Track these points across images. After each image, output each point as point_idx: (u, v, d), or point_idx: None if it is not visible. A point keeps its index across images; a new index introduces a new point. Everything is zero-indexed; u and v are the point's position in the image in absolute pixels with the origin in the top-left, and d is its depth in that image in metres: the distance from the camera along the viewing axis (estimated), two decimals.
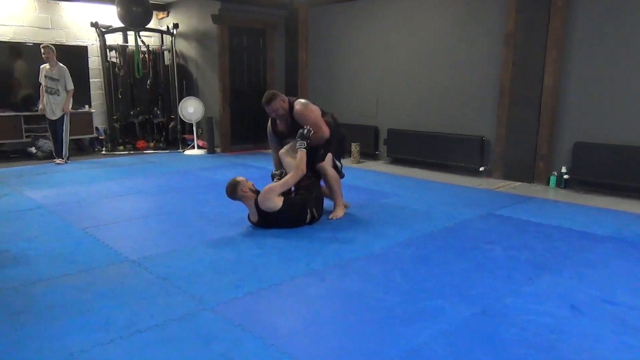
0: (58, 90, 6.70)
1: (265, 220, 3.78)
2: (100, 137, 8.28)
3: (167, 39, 8.57)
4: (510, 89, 5.74)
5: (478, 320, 2.38)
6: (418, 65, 6.74)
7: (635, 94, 4.89)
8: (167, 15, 8.90)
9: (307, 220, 3.89)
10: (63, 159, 6.89)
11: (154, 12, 8.34)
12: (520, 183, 5.72)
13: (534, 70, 5.53)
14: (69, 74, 6.76)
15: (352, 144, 7.18)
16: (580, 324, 2.35)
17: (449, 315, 2.43)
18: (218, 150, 8.25)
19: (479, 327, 2.32)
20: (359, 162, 7.17)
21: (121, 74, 8.17)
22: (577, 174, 5.30)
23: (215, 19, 7.77)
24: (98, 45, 8.05)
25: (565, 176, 5.39)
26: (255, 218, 3.81)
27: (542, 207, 4.65)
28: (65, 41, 7.92)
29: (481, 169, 6.08)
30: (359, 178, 5.85)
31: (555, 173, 5.50)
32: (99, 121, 8.31)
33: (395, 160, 7.13)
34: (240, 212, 4.24)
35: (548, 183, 5.55)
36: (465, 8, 6.13)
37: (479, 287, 2.78)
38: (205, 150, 8.13)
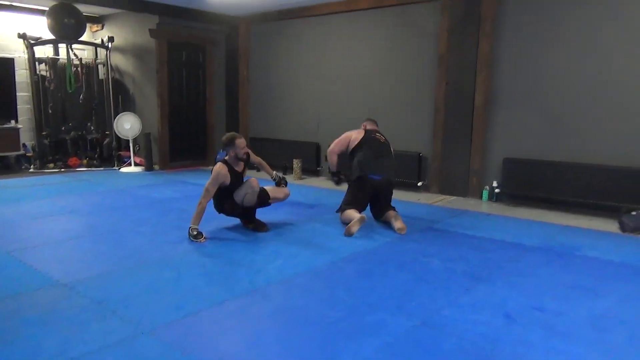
0: None
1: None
2: (27, 154, 7.82)
3: (102, 52, 8.28)
4: (445, 108, 6.00)
5: (418, 332, 2.44)
6: (357, 83, 6.90)
7: (554, 115, 5.25)
8: (102, 28, 8.61)
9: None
10: None
11: (88, 25, 8.04)
12: (455, 197, 5.96)
13: (466, 90, 5.82)
14: None
15: (294, 160, 7.21)
16: (514, 332, 2.47)
17: (390, 328, 2.47)
18: (156, 167, 8.02)
19: (420, 338, 2.38)
20: (301, 179, 7.19)
21: (52, 87, 7.79)
22: (507, 187, 5.60)
23: (153, 33, 7.61)
24: (26, 57, 7.65)
25: (497, 190, 5.68)
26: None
27: (475, 220, 4.86)
28: None
29: (419, 184, 6.28)
30: (301, 194, 5.86)
31: (487, 187, 5.79)
32: (27, 137, 7.86)
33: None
34: (180, 230, 4.13)
35: (481, 197, 5.82)
36: (401, 29, 6.37)
37: (419, 299, 2.86)
38: (143, 167, 7.88)
